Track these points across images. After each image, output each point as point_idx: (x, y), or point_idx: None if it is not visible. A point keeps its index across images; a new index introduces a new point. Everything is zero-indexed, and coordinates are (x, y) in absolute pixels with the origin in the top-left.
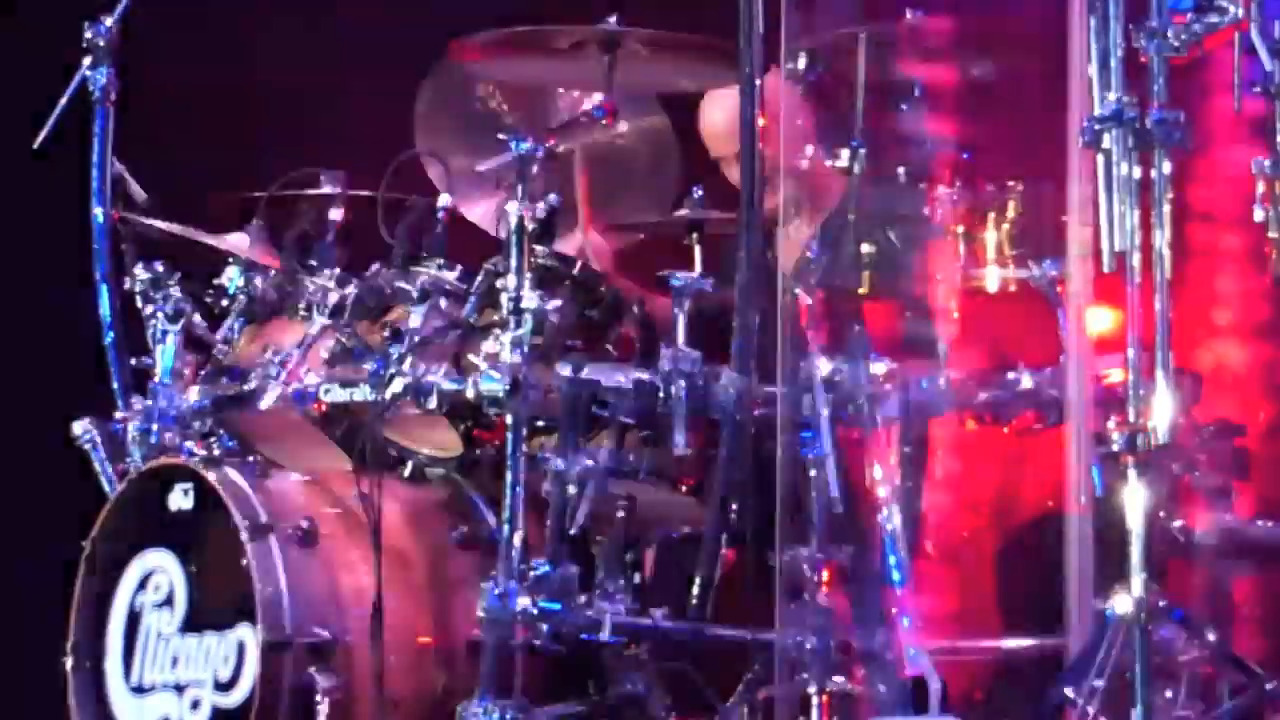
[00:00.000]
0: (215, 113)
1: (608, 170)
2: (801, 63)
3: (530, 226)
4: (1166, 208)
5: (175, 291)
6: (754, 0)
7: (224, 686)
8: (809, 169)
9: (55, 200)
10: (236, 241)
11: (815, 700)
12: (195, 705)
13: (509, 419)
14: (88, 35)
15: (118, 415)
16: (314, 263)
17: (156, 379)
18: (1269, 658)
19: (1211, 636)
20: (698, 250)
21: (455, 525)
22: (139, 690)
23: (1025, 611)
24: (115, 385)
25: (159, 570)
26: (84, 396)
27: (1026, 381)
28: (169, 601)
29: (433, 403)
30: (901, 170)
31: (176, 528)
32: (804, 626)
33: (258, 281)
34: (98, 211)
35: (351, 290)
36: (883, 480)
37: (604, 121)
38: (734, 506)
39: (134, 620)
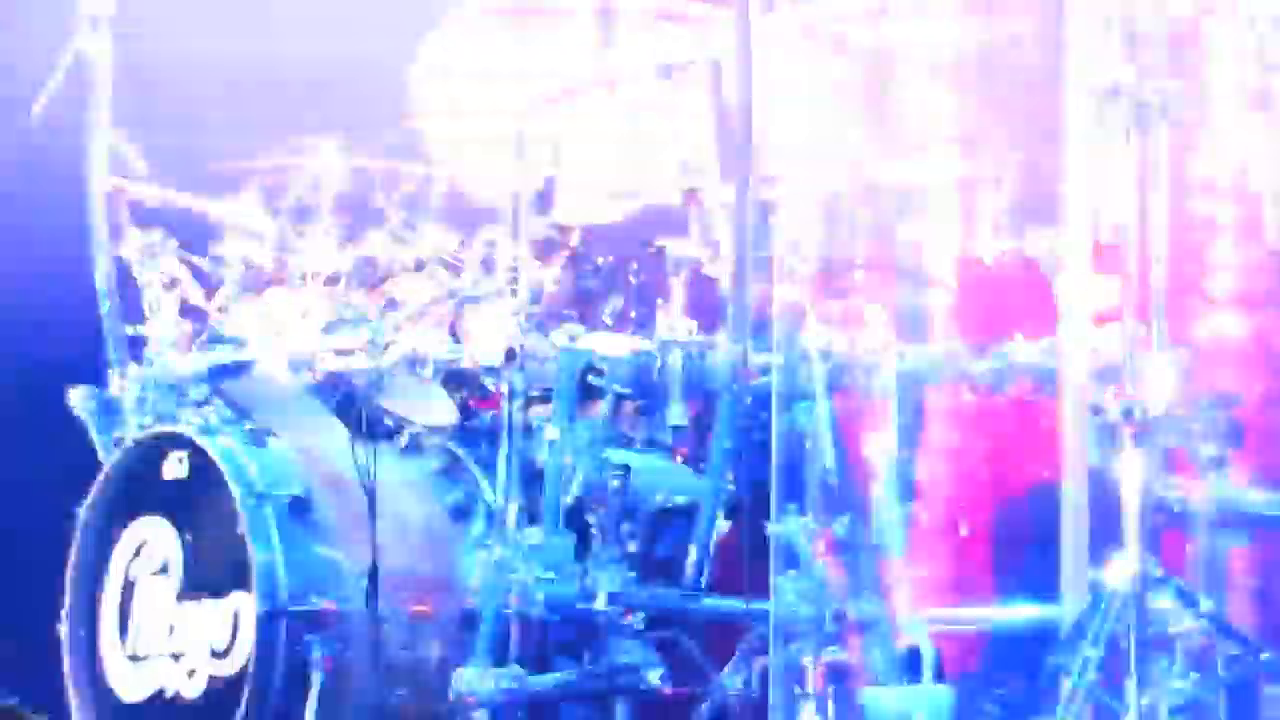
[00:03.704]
0: (212, 82)
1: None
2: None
3: (529, 196)
4: (1164, 178)
5: (172, 260)
6: None
7: (220, 654)
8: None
9: (52, 169)
10: (234, 210)
11: (810, 669)
12: (191, 673)
13: (505, 388)
14: (85, 5)
15: (114, 383)
16: (311, 232)
17: (153, 347)
18: (1263, 627)
19: (1206, 606)
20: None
21: (451, 494)
22: (135, 658)
23: (1020, 581)
24: (111, 354)
25: (154, 538)
26: (80, 365)
27: (1023, 352)
28: (164, 570)
29: (429, 372)
30: (899, 140)
31: (172, 496)
32: (799, 596)
33: (254, 250)
34: (94, 180)
35: (349, 259)
36: (879, 450)
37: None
38: (730, 476)
39: (129, 588)
